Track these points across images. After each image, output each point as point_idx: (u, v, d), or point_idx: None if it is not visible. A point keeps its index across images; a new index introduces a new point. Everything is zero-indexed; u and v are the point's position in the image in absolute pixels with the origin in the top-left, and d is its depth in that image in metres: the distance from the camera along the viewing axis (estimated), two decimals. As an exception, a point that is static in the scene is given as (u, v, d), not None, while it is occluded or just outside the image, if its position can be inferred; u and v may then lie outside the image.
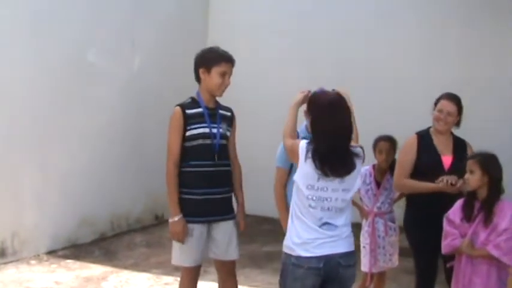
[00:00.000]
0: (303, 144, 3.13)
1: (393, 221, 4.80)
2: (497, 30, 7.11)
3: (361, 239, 4.74)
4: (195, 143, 3.77)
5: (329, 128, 3.08)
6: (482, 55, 7.17)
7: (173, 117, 3.80)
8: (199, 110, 3.82)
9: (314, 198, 3.09)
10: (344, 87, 3.35)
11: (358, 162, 3.16)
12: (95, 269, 5.75)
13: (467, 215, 3.66)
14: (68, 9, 6.32)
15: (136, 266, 5.89)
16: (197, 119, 3.79)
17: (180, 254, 3.84)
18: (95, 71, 6.69)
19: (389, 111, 7.31)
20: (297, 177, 3.12)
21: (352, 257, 3.21)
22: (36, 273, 5.60)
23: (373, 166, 4.81)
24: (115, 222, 7.10)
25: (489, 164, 3.66)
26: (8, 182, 5.79)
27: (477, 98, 6.59)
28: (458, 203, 3.75)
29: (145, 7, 7.37)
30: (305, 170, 3.09)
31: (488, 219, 3.59)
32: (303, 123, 3.59)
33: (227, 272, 3.96)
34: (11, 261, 5.78)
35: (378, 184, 4.78)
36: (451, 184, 3.95)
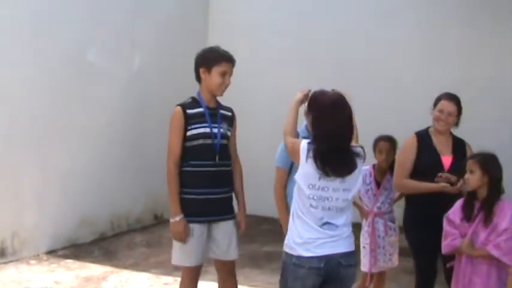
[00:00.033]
0: (304, 144, 3.13)
1: (393, 221, 4.80)
2: (497, 30, 7.11)
3: (361, 239, 4.74)
4: (195, 142, 3.77)
5: (330, 128, 3.08)
6: (482, 55, 7.17)
7: (174, 116, 3.80)
8: (200, 109, 3.82)
9: (315, 197, 3.09)
10: (344, 88, 3.35)
11: (359, 162, 3.16)
12: (95, 269, 5.75)
13: (467, 215, 3.67)
14: (68, 9, 6.32)
15: (136, 266, 5.89)
16: (198, 118, 3.79)
17: (181, 254, 3.83)
18: (95, 71, 6.69)
19: (389, 111, 7.31)
20: (298, 176, 3.13)
21: (352, 256, 3.21)
22: (36, 273, 5.60)
23: (373, 166, 4.81)
24: (115, 222, 7.10)
25: (489, 164, 3.67)
26: (8, 182, 5.79)
27: (477, 98, 6.60)
28: (458, 203, 3.75)
29: (145, 7, 7.37)
30: (306, 170, 3.09)
31: (488, 219, 3.59)
32: (303, 123, 3.60)
33: (227, 272, 3.96)
34: (11, 261, 5.78)
35: (378, 184, 4.77)
36: (451, 184, 3.96)
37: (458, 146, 4.28)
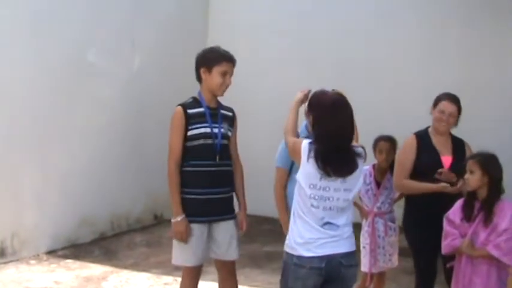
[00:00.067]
0: (305, 143, 3.13)
1: (393, 221, 4.80)
2: (497, 30, 7.11)
3: (361, 239, 4.74)
4: (196, 142, 3.77)
5: (331, 128, 3.09)
6: (482, 55, 7.16)
7: (175, 116, 3.80)
8: (201, 109, 3.82)
9: (316, 197, 3.09)
10: (344, 88, 3.35)
11: (360, 162, 3.16)
12: (95, 269, 5.75)
13: (467, 215, 3.67)
14: (68, 9, 6.31)
15: (136, 266, 5.89)
16: (199, 118, 3.79)
17: (181, 254, 3.83)
18: (95, 71, 6.69)
19: (389, 111, 7.31)
20: (299, 176, 3.13)
21: (353, 256, 3.21)
22: (35, 273, 5.60)
23: (373, 166, 4.82)
24: (115, 222, 7.09)
25: (489, 164, 3.67)
26: (8, 182, 5.79)
27: (477, 98, 6.60)
28: (458, 203, 3.75)
29: (145, 7, 7.37)
30: (307, 170, 3.09)
31: (488, 219, 3.60)
32: (303, 123, 3.60)
33: (228, 272, 3.97)
34: (11, 261, 5.78)
35: (378, 184, 4.78)
36: (451, 184, 3.96)
37: (458, 146, 4.28)
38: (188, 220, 3.76)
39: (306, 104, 3.39)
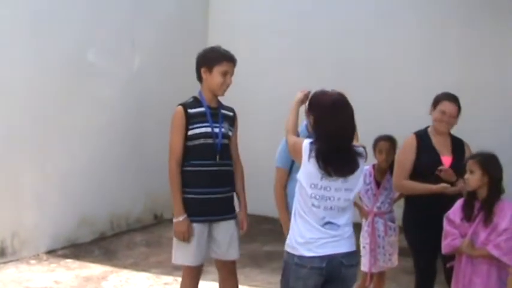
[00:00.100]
0: (306, 143, 3.13)
1: (393, 221, 4.80)
2: (497, 30, 7.10)
3: (361, 239, 4.74)
4: (197, 142, 3.77)
5: (332, 128, 3.09)
6: (482, 55, 7.16)
7: (175, 116, 3.80)
8: (202, 109, 3.82)
9: (317, 197, 3.09)
10: (343, 88, 3.34)
11: (361, 161, 3.17)
12: (95, 269, 5.75)
13: (468, 215, 3.67)
14: (68, 9, 6.31)
15: (136, 266, 5.89)
16: (199, 118, 3.79)
17: (181, 254, 3.83)
18: (95, 71, 6.68)
19: (389, 111, 7.31)
20: (300, 176, 3.13)
21: (354, 256, 3.21)
22: (35, 272, 5.60)
23: (373, 166, 4.82)
24: (115, 222, 7.09)
25: (489, 164, 3.67)
26: (8, 182, 5.79)
27: (477, 98, 6.60)
28: (459, 203, 3.76)
29: (145, 7, 7.37)
30: (308, 169, 3.09)
31: (488, 219, 3.60)
32: (303, 122, 3.60)
33: (228, 272, 3.97)
34: (11, 261, 5.78)
35: (378, 184, 4.78)
36: (451, 184, 3.96)
37: (458, 146, 4.28)
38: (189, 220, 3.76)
39: (306, 104, 3.40)
